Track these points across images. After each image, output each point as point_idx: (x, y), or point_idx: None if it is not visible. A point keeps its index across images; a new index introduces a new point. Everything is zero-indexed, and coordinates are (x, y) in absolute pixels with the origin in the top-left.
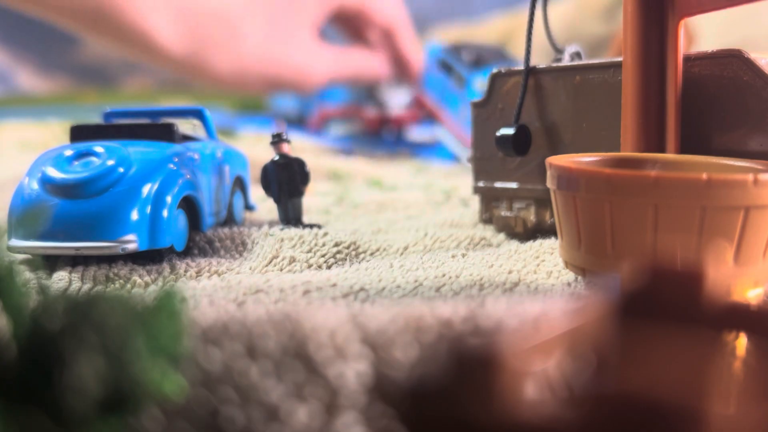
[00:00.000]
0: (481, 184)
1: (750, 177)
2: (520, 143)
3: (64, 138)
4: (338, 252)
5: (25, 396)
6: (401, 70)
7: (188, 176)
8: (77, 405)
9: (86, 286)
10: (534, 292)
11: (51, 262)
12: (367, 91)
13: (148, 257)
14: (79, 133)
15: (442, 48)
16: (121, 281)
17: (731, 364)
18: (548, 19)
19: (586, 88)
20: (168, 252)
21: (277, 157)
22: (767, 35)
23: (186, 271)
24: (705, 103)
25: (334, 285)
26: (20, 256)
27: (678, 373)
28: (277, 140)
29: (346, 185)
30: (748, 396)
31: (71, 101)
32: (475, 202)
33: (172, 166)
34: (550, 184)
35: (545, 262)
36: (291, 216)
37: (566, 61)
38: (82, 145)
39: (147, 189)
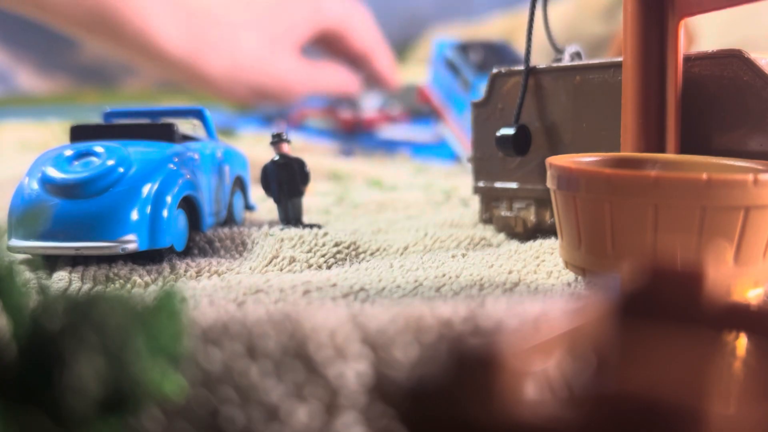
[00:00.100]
0: (481, 184)
1: (750, 177)
2: (520, 143)
3: (64, 138)
4: (338, 252)
5: (25, 396)
6: (379, 85)
7: (188, 176)
8: (77, 405)
9: (86, 286)
10: (534, 292)
11: (51, 262)
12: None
13: (148, 257)
14: (79, 133)
15: (450, 45)
16: (121, 281)
17: (731, 364)
18: (548, 19)
19: (586, 88)
20: (168, 252)
21: (277, 157)
22: (767, 35)
23: (186, 271)
24: (705, 103)
25: (334, 285)
26: (20, 256)
27: (678, 373)
28: (277, 140)
29: (346, 185)
30: (748, 396)
31: (71, 101)
32: (475, 202)
33: (172, 166)
34: (550, 184)
35: (545, 262)
36: (291, 216)
37: (566, 61)
38: (82, 145)
39: (147, 189)
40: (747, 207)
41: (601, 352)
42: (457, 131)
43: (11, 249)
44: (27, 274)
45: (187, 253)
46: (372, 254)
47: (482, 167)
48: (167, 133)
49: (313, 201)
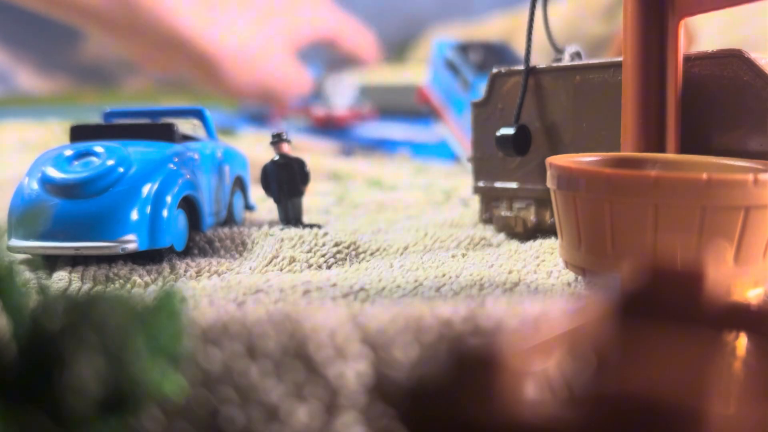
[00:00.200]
0: (481, 184)
1: (750, 177)
2: (520, 143)
3: (64, 138)
4: (338, 252)
5: (25, 396)
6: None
7: (188, 176)
8: (77, 405)
9: (86, 286)
10: (534, 292)
11: (51, 262)
12: (315, 93)
13: (148, 257)
14: (79, 133)
15: (450, 45)
16: (121, 281)
17: (731, 364)
18: (548, 19)
19: (586, 88)
20: (168, 252)
21: (277, 157)
22: (767, 35)
23: (186, 271)
24: (705, 103)
25: (334, 285)
26: (20, 256)
27: (678, 373)
28: (277, 140)
29: (346, 185)
30: (748, 396)
31: (71, 101)
32: (475, 202)
33: (172, 166)
34: (550, 184)
35: (545, 262)
36: (291, 216)
37: (566, 61)
38: (82, 145)
39: (147, 189)
40: (747, 207)
41: (601, 352)
42: (457, 131)
43: (11, 249)
44: (27, 274)
45: (187, 253)
46: (372, 254)
47: (482, 167)
48: (167, 133)
49: (313, 201)
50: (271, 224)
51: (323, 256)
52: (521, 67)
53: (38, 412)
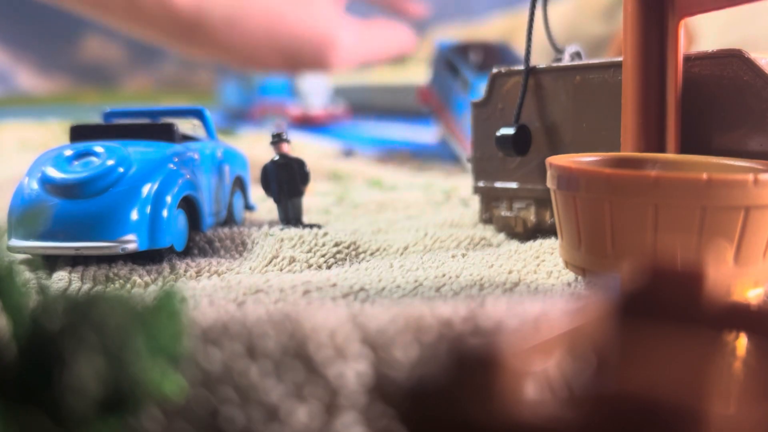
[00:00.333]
0: (481, 184)
1: (750, 177)
2: (520, 143)
3: (64, 138)
4: (338, 252)
5: (25, 396)
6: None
7: (188, 176)
8: (77, 405)
9: (86, 286)
10: (534, 292)
11: (51, 262)
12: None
13: (148, 257)
14: (79, 133)
15: (450, 46)
16: (121, 281)
17: (731, 364)
18: (548, 19)
19: (586, 88)
20: (168, 252)
21: (277, 157)
22: (767, 35)
23: (186, 271)
24: (705, 103)
25: (334, 285)
26: (20, 256)
27: (678, 373)
28: (277, 140)
29: (346, 185)
30: (748, 396)
31: (71, 101)
32: (475, 202)
33: (172, 166)
34: (550, 184)
35: (545, 262)
36: (291, 216)
37: (566, 61)
38: (82, 145)
39: (147, 189)
40: (747, 207)
41: (601, 352)
42: (457, 132)
43: (11, 249)
44: (27, 274)
45: (187, 253)
46: (372, 254)
47: (482, 167)
48: (167, 133)
49: (313, 201)
50: (271, 224)
51: (323, 256)
52: (521, 67)
53: (38, 412)
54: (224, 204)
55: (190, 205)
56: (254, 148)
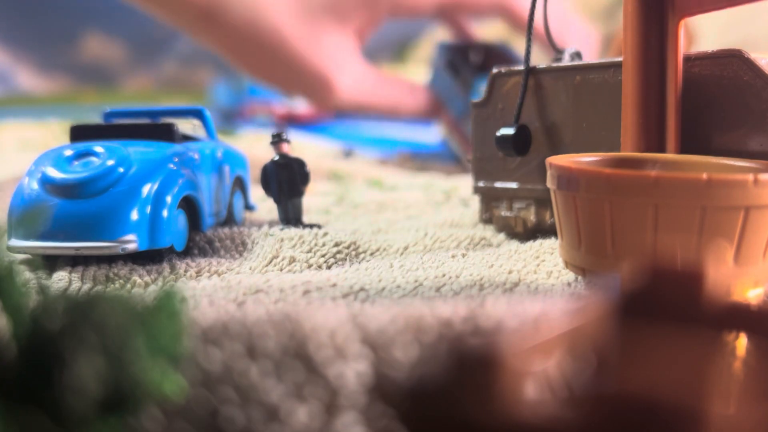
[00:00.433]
0: (481, 184)
1: (750, 177)
2: (520, 143)
3: (64, 138)
4: (338, 252)
5: (25, 396)
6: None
7: (188, 176)
8: (77, 405)
9: (86, 286)
10: (534, 292)
11: (51, 262)
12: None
13: (148, 257)
14: (79, 133)
15: (450, 46)
16: (121, 281)
17: (731, 364)
18: (548, 19)
19: (586, 88)
20: (168, 252)
21: (277, 157)
22: (767, 35)
23: (186, 271)
24: (705, 103)
25: (334, 285)
26: (20, 256)
27: (678, 373)
28: (277, 140)
29: (346, 185)
30: (748, 396)
31: (71, 101)
32: (475, 202)
33: (172, 166)
34: (550, 184)
35: (545, 262)
36: (291, 216)
37: (566, 61)
38: (82, 145)
39: (147, 189)
40: (747, 207)
41: (601, 352)
42: (457, 132)
43: (11, 249)
44: (27, 274)
45: (187, 253)
46: (372, 254)
47: (482, 167)
48: (167, 133)
49: (313, 201)
50: (271, 224)
51: (323, 256)
52: (521, 67)
53: (38, 412)
54: (224, 204)
55: (190, 205)
56: (254, 148)
